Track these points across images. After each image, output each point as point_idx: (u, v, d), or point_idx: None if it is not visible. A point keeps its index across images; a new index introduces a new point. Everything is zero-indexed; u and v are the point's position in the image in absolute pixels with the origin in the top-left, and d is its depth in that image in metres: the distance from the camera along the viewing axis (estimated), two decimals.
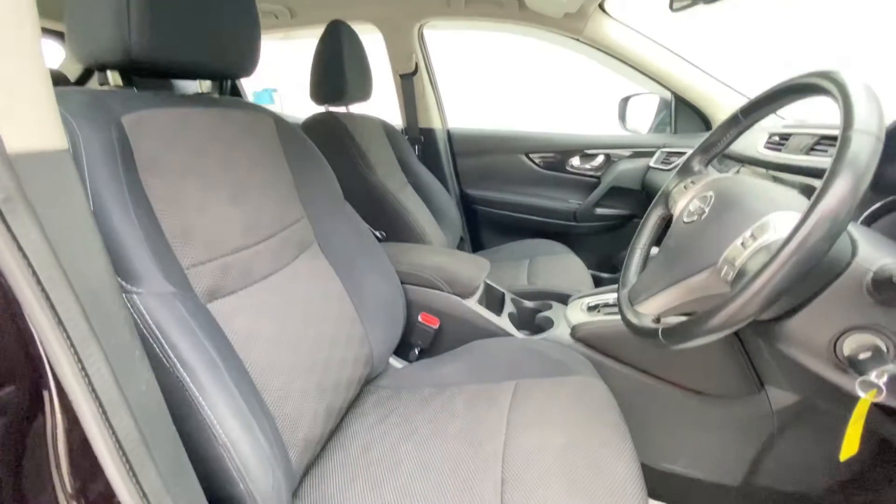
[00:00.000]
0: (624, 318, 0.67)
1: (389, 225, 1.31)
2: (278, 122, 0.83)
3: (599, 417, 0.75)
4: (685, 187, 0.73)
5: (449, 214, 1.72)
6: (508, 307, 1.15)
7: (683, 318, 0.53)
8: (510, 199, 1.85)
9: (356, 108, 1.46)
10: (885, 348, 0.51)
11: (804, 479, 0.97)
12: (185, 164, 0.62)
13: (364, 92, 1.39)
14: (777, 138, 1.03)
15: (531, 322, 1.17)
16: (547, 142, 1.80)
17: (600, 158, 1.75)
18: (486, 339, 1.01)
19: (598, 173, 1.76)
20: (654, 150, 1.67)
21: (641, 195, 1.70)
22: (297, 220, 0.82)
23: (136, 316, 0.47)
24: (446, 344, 1.06)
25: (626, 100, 1.81)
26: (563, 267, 1.50)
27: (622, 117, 1.81)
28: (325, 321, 0.79)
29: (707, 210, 0.60)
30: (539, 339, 1.03)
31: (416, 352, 1.08)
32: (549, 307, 1.16)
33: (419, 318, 1.05)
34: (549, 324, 1.09)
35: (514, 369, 0.88)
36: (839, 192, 0.41)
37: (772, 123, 1.14)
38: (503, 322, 1.06)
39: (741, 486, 0.99)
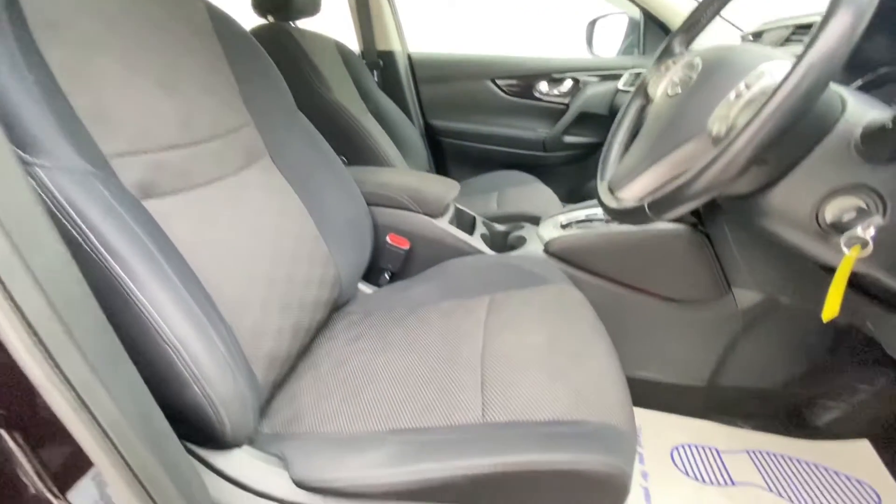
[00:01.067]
0: (606, 208, 0.64)
1: (351, 149, 1.22)
2: (212, 11, 0.72)
3: (577, 318, 0.74)
4: (665, 69, 0.69)
5: (414, 147, 1.63)
6: (480, 230, 1.11)
7: (673, 185, 0.50)
8: (477, 130, 1.77)
9: (304, 25, 1.31)
10: (869, 209, 0.50)
11: (765, 376, 1.02)
12: (94, 36, 0.51)
13: (313, 4, 1.25)
14: (751, 37, 1.00)
15: (503, 244, 1.14)
16: (513, 66, 1.71)
17: (568, 83, 1.69)
18: (459, 258, 0.97)
19: (566, 100, 1.71)
20: (622, 71, 1.62)
21: (611, 121, 1.66)
22: (241, 126, 0.73)
23: (41, 193, 0.39)
24: (418, 266, 1.01)
25: (593, 23, 1.73)
26: (533, 197, 1.47)
27: (590, 42, 1.74)
28: (283, 237, 0.72)
29: (695, 76, 0.56)
30: (512, 255, 1.00)
31: (387, 276, 1.03)
32: (522, 228, 1.13)
33: (388, 240, 1.00)
34: (521, 242, 1.07)
35: (488, 284, 0.85)
36: (839, 27, 0.38)
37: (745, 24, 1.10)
38: (475, 241, 1.03)
39: (707, 387, 1.04)
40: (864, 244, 0.47)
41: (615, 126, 0.77)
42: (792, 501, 0.83)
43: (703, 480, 0.88)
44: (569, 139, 1.71)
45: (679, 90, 0.58)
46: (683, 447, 0.96)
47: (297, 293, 0.72)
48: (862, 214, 0.50)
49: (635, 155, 0.63)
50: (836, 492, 0.84)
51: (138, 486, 0.35)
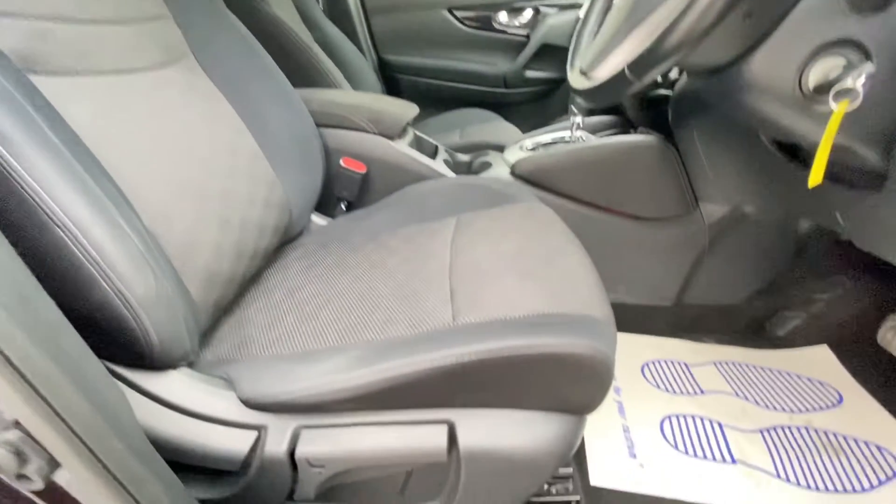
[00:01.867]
0: (580, 91, 0.59)
1: (295, 73, 1.10)
2: None
3: (547, 229, 0.69)
4: None
5: (367, 81, 1.52)
6: (442, 157, 1.04)
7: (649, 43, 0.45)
8: (434, 65, 1.67)
9: None
10: (854, 65, 0.47)
11: (729, 292, 1.03)
12: None
13: None
14: None
15: (467, 171, 1.08)
16: None
17: (528, 14, 1.61)
18: (421, 182, 0.90)
19: (527, 31, 1.62)
20: (583, 0, 1.55)
21: None
22: (157, 17, 0.63)
23: None
24: (376, 194, 0.94)
25: None
26: (497, 131, 1.40)
27: None
28: (216, 148, 0.63)
29: None
30: (478, 177, 0.94)
31: (343, 206, 0.95)
32: (486, 154, 1.07)
33: (341, 163, 0.91)
34: (486, 167, 1.01)
35: (453, 205, 0.79)
36: None
37: None
38: (438, 165, 0.96)
39: (673, 306, 1.03)
40: (854, 96, 0.44)
41: (583, 18, 0.71)
42: (758, 404, 0.85)
43: (674, 391, 0.88)
44: (531, 74, 1.64)
45: None
46: (653, 363, 0.96)
47: (238, 211, 0.63)
48: (849, 68, 0.46)
49: (606, 34, 0.58)
50: (799, 394, 0.87)
51: (44, 405, 0.27)
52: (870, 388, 0.85)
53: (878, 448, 0.74)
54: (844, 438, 0.77)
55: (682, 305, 1.04)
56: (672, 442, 0.77)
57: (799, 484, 0.70)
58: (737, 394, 0.87)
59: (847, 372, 0.90)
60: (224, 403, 0.47)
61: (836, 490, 0.69)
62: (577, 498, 0.62)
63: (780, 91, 0.52)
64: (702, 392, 0.88)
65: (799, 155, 0.70)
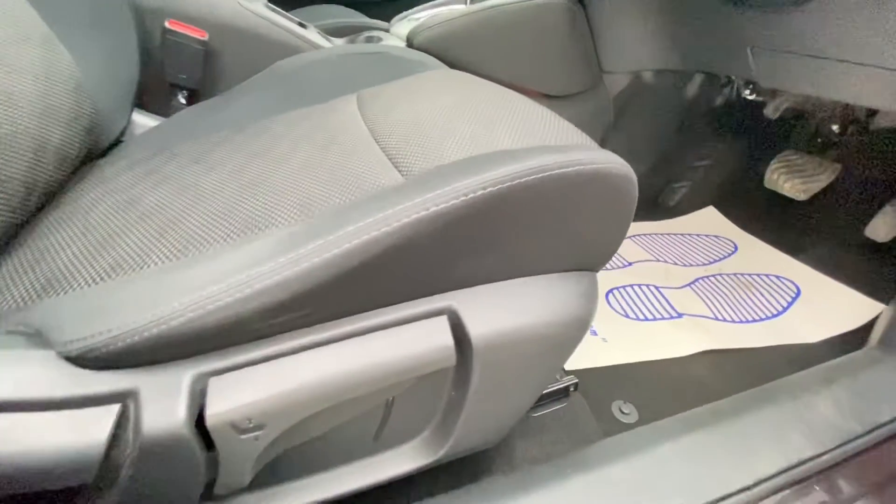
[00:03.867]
0: None
1: None
2: None
3: (480, 85, 0.55)
4: None
5: None
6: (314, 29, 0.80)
7: None
8: None
9: None
10: None
11: (636, 158, 1.04)
12: None
13: None
14: None
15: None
16: None
17: None
18: (293, 57, 0.67)
19: None
20: None
21: None
22: None
23: None
24: (228, 76, 0.68)
25: None
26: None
27: None
28: None
29: None
30: (363, 44, 0.74)
31: (182, 97, 0.67)
32: (371, 32, 0.86)
33: (167, 26, 0.62)
34: (376, 41, 0.81)
35: (348, 81, 0.59)
36: None
37: None
38: (311, 34, 0.73)
39: None
40: None
41: None
42: (677, 264, 0.87)
43: (606, 268, 0.86)
44: None
45: None
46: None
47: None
48: None
49: None
50: (704, 249, 0.92)
51: None
52: (754, 233, 0.94)
53: (777, 277, 0.82)
54: (750, 276, 0.83)
55: None
56: (622, 312, 0.75)
57: (733, 321, 0.73)
58: (657, 259, 0.89)
59: (733, 224, 0.98)
60: (29, 371, 0.24)
61: (760, 319, 0.74)
62: (575, 380, 0.55)
63: None
64: (629, 264, 0.88)
65: None
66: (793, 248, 0.86)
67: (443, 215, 0.27)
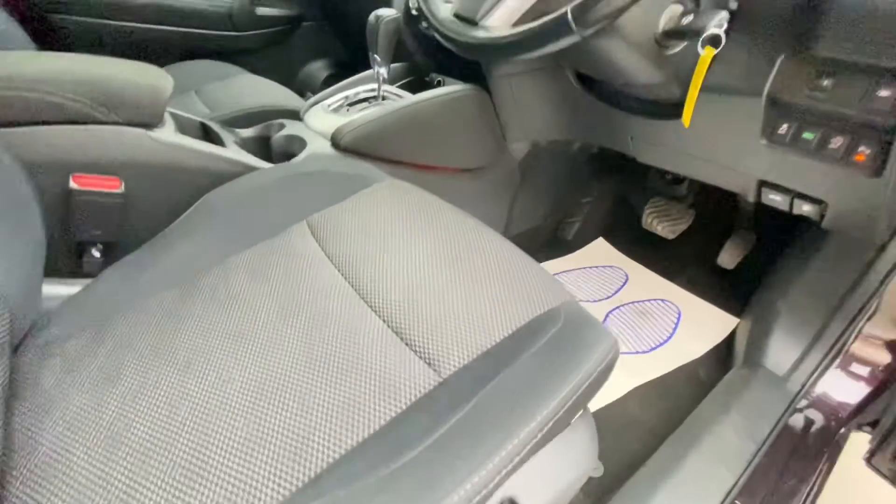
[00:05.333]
0: (474, 47, 0.48)
1: None
2: None
3: (427, 209, 0.59)
4: None
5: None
6: (227, 139, 0.74)
7: None
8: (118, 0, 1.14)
9: None
10: (690, 8, 0.53)
11: (536, 216, 1.17)
12: None
13: None
14: None
15: (266, 153, 0.82)
16: None
17: None
18: (223, 186, 0.63)
19: None
20: None
21: None
22: None
23: None
24: (152, 217, 0.61)
25: None
26: (252, 90, 1.10)
27: None
28: None
29: None
30: (295, 162, 0.72)
31: (97, 251, 0.58)
32: (282, 126, 0.83)
33: (73, 185, 0.53)
34: (296, 143, 0.78)
35: (290, 208, 0.59)
36: None
37: None
38: (234, 153, 0.68)
39: None
40: (717, 41, 0.49)
41: None
42: (589, 301, 1.03)
43: None
44: (263, 11, 1.33)
45: None
46: None
47: None
48: (695, 10, 0.52)
49: None
50: (604, 281, 1.09)
51: None
52: (638, 259, 1.15)
53: (663, 301, 1.03)
54: (643, 303, 1.03)
55: (509, 238, 1.13)
56: None
57: (643, 351, 0.91)
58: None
59: (620, 253, 1.18)
60: None
61: (660, 343, 0.93)
62: None
63: (636, 38, 0.55)
64: None
65: (602, 91, 0.80)
66: (668, 273, 1.08)
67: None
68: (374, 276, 0.48)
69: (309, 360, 0.41)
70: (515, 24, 0.48)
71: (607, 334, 0.43)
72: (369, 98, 0.89)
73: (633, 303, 1.03)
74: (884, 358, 0.72)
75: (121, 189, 0.56)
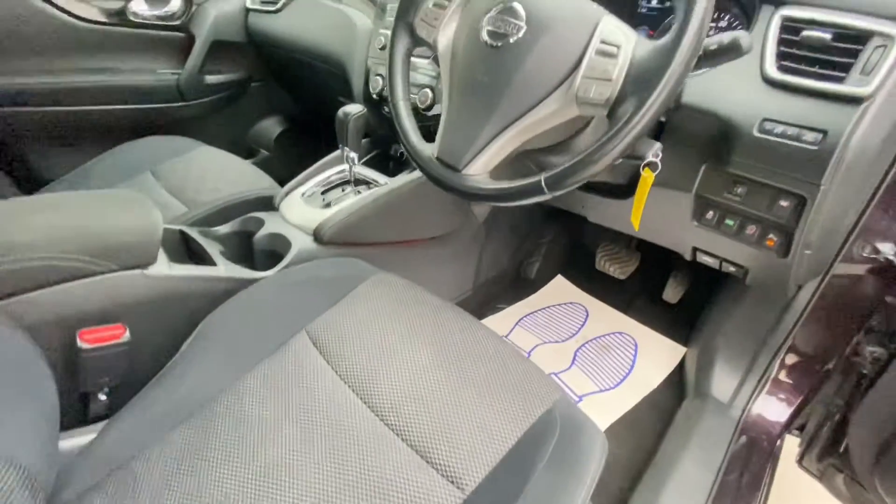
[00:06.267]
0: (460, 192, 0.55)
1: None
2: None
3: (433, 308, 0.66)
4: (435, 5, 0.58)
5: None
6: (210, 248, 0.76)
7: (573, 160, 0.47)
8: (55, 85, 1.09)
9: None
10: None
11: (502, 261, 1.27)
12: None
13: None
14: None
15: (248, 253, 0.84)
16: None
17: (176, 1, 1.23)
18: (219, 308, 0.65)
19: (181, 22, 1.26)
20: None
21: (249, 50, 1.37)
22: None
23: None
24: (154, 353, 0.63)
25: None
26: (212, 169, 1.09)
27: None
28: None
29: (522, 25, 0.49)
30: (285, 270, 0.75)
31: (103, 396, 0.59)
32: (260, 223, 0.85)
33: (80, 345, 0.54)
34: (279, 242, 0.81)
35: (288, 320, 0.63)
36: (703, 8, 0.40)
37: None
38: (225, 269, 0.71)
39: (474, 292, 1.20)
40: (655, 166, 0.59)
41: (390, 81, 0.63)
42: (558, 341, 1.14)
43: None
44: (211, 79, 1.32)
45: (501, 42, 0.50)
46: None
47: None
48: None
49: (466, 121, 0.54)
50: (568, 319, 1.20)
51: None
52: (594, 293, 1.27)
53: (621, 334, 1.15)
54: (604, 338, 1.15)
55: (476, 289, 1.21)
56: None
57: (610, 387, 1.02)
58: (544, 341, 1.14)
59: (580, 290, 1.30)
60: None
61: (624, 377, 1.04)
62: None
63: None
64: (529, 354, 1.10)
65: None
66: (621, 306, 1.21)
67: None
68: (384, 388, 0.53)
69: (339, 489, 0.45)
70: (494, 170, 0.55)
71: (598, 433, 0.51)
72: (341, 183, 0.93)
73: (595, 338, 1.15)
74: (803, 379, 0.87)
75: (126, 336, 0.57)
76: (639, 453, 0.87)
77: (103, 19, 1.13)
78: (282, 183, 0.96)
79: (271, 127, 1.53)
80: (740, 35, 0.45)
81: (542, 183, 0.48)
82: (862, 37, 0.49)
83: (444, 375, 0.55)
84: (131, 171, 1.07)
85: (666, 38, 0.42)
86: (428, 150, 0.58)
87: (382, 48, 0.94)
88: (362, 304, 0.65)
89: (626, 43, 0.45)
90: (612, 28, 0.46)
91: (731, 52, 0.46)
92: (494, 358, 0.59)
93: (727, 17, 0.68)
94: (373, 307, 0.64)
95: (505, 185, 0.52)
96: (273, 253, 0.81)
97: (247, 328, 0.63)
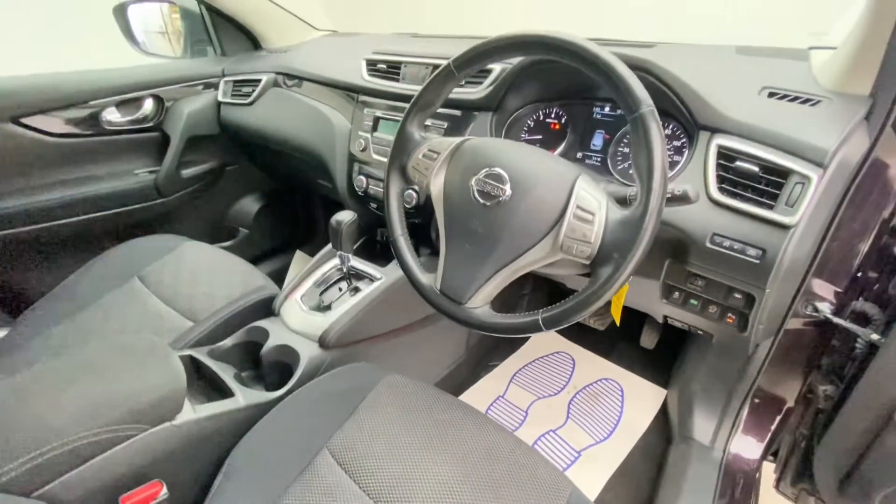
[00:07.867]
0: (469, 322, 0.62)
1: None
2: None
3: (444, 407, 0.72)
4: (424, 156, 0.66)
5: None
6: (225, 373, 0.79)
7: (565, 305, 0.54)
8: (27, 206, 1.09)
9: None
10: None
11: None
12: None
13: None
14: (385, 67, 1.04)
15: (256, 361, 0.87)
16: (48, 91, 1.09)
17: (149, 104, 1.26)
18: (243, 440, 0.69)
19: (155, 123, 1.28)
20: (213, 79, 1.34)
21: (222, 139, 1.40)
22: None
23: None
24: (194, 497, 0.66)
25: (123, 8, 1.29)
26: (202, 270, 1.11)
27: (129, 33, 1.31)
28: None
29: (508, 189, 0.57)
30: (298, 391, 0.79)
31: None
32: (265, 334, 0.88)
33: None
34: (289, 354, 0.85)
35: (309, 441, 0.67)
36: (661, 172, 0.49)
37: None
38: (244, 397, 0.74)
39: (467, 355, 1.26)
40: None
41: (388, 220, 0.70)
42: (551, 395, 1.21)
43: (513, 427, 1.13)
44: (187, 172, 1.34)
45: (492, 202, 0.59)
46: (488, 410, 1.17)
47: None
48: None
49: (464, 263, 0.62)
50: (558, 371, 1.28)
51: None
52: (580, 343, 1.36)
53: (607, 380, 1.24)
54: (592, 385, 1.23)
55: (469, 351, 1.28)
56: None
57: (604, 438, 1.10)
58: (538, 397, 1.21)
59: (564, 338, 1.38)
60: None
61: (615, 425, 1.13)
62: None
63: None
64: (526, 414, 1.17)
65: None
66: (603, 352, 1.30)
67: None
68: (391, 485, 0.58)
69: None
70: (493, 302, 0.62)
71: None
72: (338, 281, 0.98)
73: (585, 387, 1.23)
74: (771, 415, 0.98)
75: (164, 493, 0.60)
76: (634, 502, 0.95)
77: (78, 131, 1.14)
78: (266, 258, 0.99)
79: (249, 205, 1.56)
80: (688, 188, 0.54)
81: (540, 322, 0.56)
82: (784, 172, 0.60)
83: (465, 486, 0.61)
84: (118, 279, 1.07)
85: (633, 211, 0.51)
86: (425, 278, 0.65)
87: (363, 150, 1.01)
88: (376, 414, 0.70)
89: (598, 210, 0.53)
90: (585, 195, 0.54)
91: (682, 200, 0.55)
92: (507, 457, 0.65)
93: (671, 126, 0.78)
94: (387, 416, 0.69)
95: (506, 320, 0.59)
96: (282, 364, 0.85)
97: (271, 455, 0.67)
